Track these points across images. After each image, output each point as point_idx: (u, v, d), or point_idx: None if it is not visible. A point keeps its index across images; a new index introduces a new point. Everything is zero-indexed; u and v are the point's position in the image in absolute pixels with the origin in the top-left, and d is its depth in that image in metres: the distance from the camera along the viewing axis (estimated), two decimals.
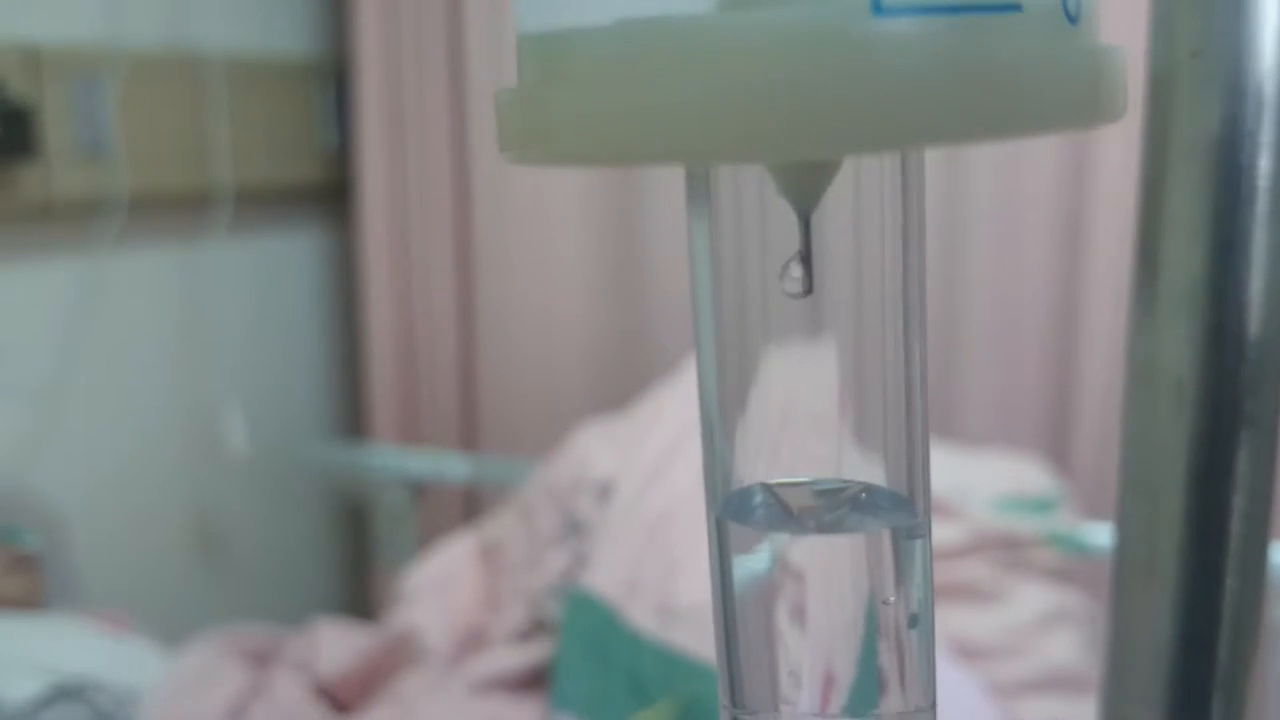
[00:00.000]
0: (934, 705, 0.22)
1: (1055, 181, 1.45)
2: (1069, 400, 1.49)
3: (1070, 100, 0.18)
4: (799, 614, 0.21)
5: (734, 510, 0.21)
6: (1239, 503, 0.22)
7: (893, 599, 0.21)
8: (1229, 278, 0.21)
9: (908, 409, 0.21)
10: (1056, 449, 1.48)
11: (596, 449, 1.33)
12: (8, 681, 1.05)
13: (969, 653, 1.13)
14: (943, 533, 1.18)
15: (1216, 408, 0.21)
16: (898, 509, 0.21)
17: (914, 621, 0.21)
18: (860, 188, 0.20)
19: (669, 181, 1.55)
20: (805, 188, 0.19)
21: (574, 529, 1.25)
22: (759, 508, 0.21)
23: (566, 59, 0.18)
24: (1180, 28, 0.21)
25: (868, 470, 0.21)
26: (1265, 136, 0.21)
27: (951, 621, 1.14)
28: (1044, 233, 1.46)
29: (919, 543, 0.21)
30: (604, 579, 1.15)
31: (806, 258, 0.19)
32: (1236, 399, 0.21)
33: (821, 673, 0.21)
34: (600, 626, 1.12)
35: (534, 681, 1.14)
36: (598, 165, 0.18)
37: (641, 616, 1.12)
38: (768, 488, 0.21)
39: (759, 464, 0.21)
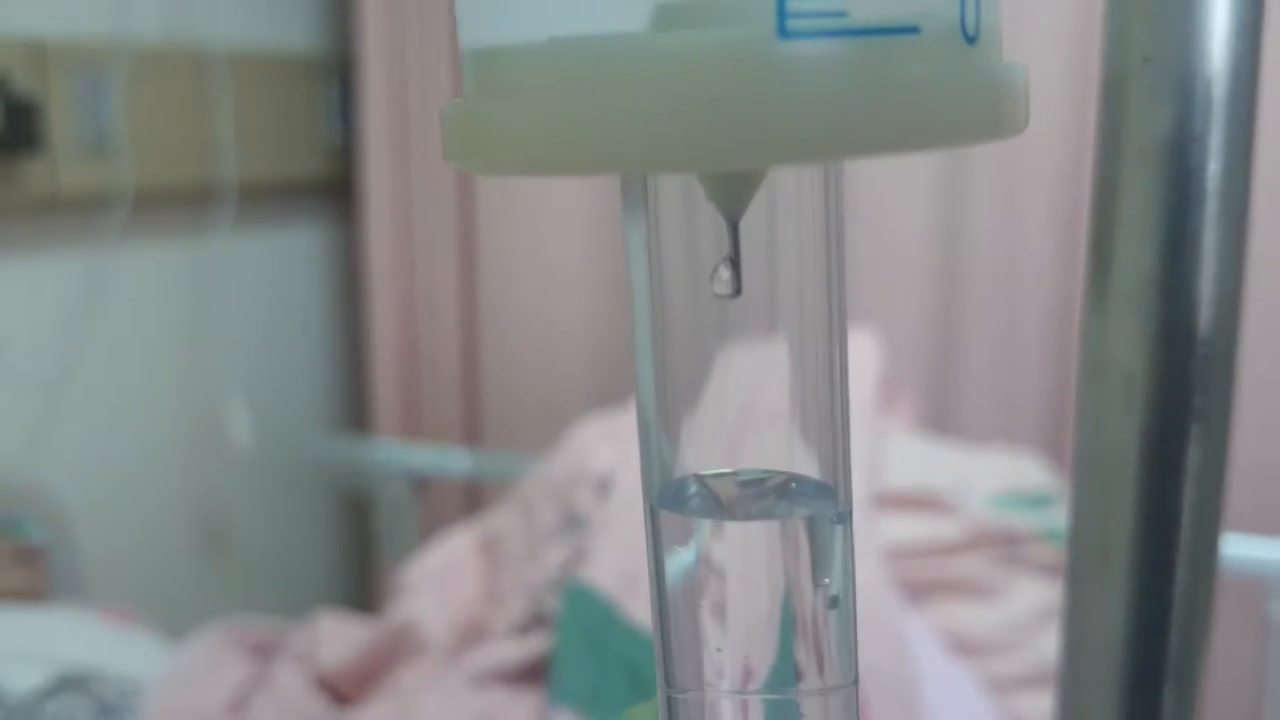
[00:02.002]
0: (855, 683, 0.23)
1: (1055, 179, 1.45)
2: (1069, 398, 1.49)
3: (969, 116, 0.19)
4: (727, 597, 0.23)
5: (668, 500, 0.23)
6: (1189, 495, 0.22)
7: (828, 580, 0.23)
8: (1179, 276, 0.22)
9: (832, 401, 0.22)
10: (1057, 446, 1.49)
11: (596, 444, 1.33)
12: (12, 672, 1.06)
13: (966, 648, 1.13)
14: (940, 528, 1.19)
15: (1166, 403, 0.22)
16: (823, 496, 0.23)
17: (834, 603, 0.23)
18: (788, 195, 0.21)
19: None
20: (732, 196, 0.20)
21: (573, 523, 1.25)
22: (692, 498, 0.23)
23: (501, 74, 0.19)
24: (1133, 35, 0.22)
25: (800, 462, 0.22)
26: (1214, 140, 0.21)
27: (949, 617, 1.15)
28: (1044, 230, 1.47)
29: (840, 528, 0.23)
30: (603, 573, 1.16)
31: (735, 261, 0.21)
32: (1186, 394, 0.22)
33: (745, 653, 0.23)
34: (599, 620, 1.12)
35: (533, 674, 1.15)
36: (531, 175, 0.19)
37: (640, 610, 1.12)
38: (700, 479, 0.23)
39: (694, 458, 0.23)
